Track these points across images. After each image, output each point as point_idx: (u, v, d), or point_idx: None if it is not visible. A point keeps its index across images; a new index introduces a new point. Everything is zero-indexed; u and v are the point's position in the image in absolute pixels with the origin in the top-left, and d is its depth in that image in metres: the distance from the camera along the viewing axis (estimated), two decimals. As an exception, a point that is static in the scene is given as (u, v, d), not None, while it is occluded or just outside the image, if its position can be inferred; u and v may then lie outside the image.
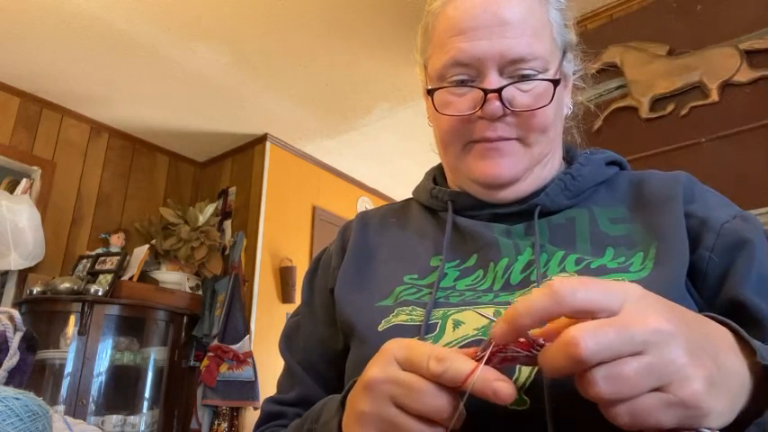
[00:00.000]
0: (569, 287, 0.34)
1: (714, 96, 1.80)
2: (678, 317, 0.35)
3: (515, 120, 0.59)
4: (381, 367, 0.40)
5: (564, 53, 0.65)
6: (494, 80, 0.58)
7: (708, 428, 0.34)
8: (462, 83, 0.60)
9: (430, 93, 0.62)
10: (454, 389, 0.37)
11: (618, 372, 0.32)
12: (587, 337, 0.32)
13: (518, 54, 0.58)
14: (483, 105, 0.58)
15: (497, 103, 0.58)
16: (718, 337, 0.38)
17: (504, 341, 0.37)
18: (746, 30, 1.79)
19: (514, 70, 0.59)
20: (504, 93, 0.58)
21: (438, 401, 0.37)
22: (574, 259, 0.55)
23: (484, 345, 0.38)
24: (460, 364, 0.37)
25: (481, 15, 0.59)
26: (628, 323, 0.33)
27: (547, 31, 0.61)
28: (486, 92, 0.58)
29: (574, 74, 0.68)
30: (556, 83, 0.59)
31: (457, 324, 0.51)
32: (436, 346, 0.40)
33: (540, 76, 0.59)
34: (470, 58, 0.59)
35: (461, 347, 0.49)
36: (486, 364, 0.37)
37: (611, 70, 2.04)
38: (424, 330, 0.51)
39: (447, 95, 0.61)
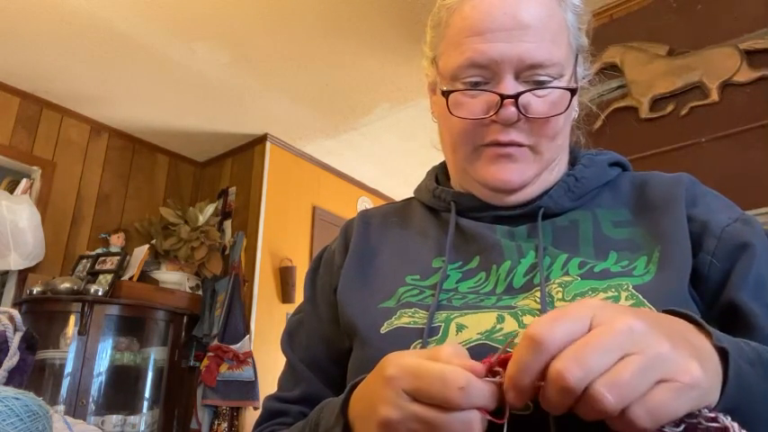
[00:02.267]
0: (545, 331, 0.35)
1: (714, 96, 1.80)
2: (642, 314, 0.36)
3: (528, 126, 0.58)
4: (393, 405, 0.39)
5: (576, 57, 0.64)
6: (510, 84, 0.57)
7: (707, 409, 0.35)
8: (476, 84, 0.59)
9: (445, 94, 0.60)
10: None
11: (616, 379, 0.32)
12: (570, 366, 0.33)
13: (537, 60, 0.57)
14: (498, 110, 0.57)
15: (513, 109, 0.57)
16: (681, 325, 0.39)
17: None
18: (746, 30, 1.79)
19: (530, 75, 0.57)
20: (520, 98, 0.57)
21: (467, 427, 0.36)
22: (577, 263, 0.55)
23: (496, 359, 0.38)
24: (483, 392, 0.37)
25: (501, 17, 0.57)
26: (602, 335, 0.34)
27: (564, 36, 0.60)
28: (503, 97, 0.57)
29: (583, 78, 0.68)
30: (573, 92, 0.58)
31: (460, 328, 0.51)
32: (440, 366, 0.38)
33: (556, 83, 0.58)
34: (488, 60, 0.57)
35: None
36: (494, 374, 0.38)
37: (612, 70, 2.04)
38: (426, 333, 0.51)
39: (460, 96, 0.60)
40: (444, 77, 0.62)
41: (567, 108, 0.58)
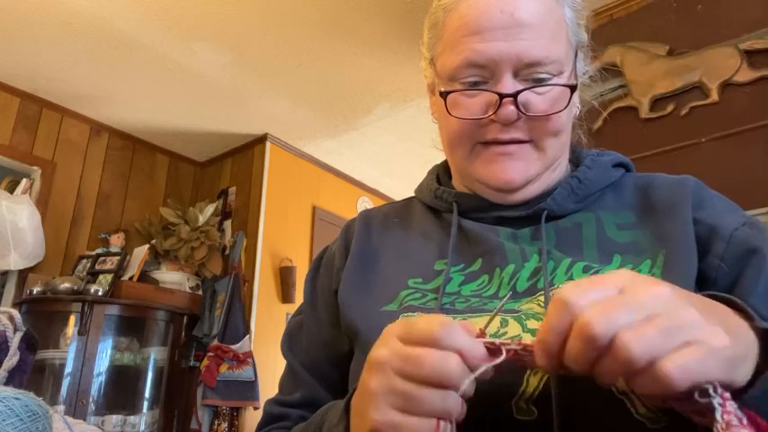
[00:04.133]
0: (575, 292, 0.35)
1: (714, 96, 1.80)
2: (675, 288, 0.36)
3: (528, 124, 0.58)
4: (384, 345, 0.40)
5: (576, 53, 0.63)
6: (508, 83, 0.57)
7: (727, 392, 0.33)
8: (474, 84, 0.58)
9: (443, 95, 0.60)
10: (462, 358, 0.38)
11: (642, 331, 0.32)
12: (596, 316, 0.33)
13: (535, 57, 0.56)
14: (497, 109, 0.57)
15: (512, 108, 0.56)
16: (717, 306, 0.39)
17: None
18: (746, 30, 1.79)
19: (530, 73, 0.57)
20: (519, 97, 0.56)
21: (446, 365, 0.37)
22: (581, 267, 0.54)
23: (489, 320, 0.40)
24: (464, 331, 0.38)
25: (497, 16, 0.56)
26: (631, 295, 0.34)
27: (563, 32, 0.59)
28: (501, 96, 0.56)
29: (584, 74, 0.67)
30: (573, 88, 0.58)
31: None
32: (435, 315, 0.40)
33: (555, 80, 0.58)
34: (486, 59, 0.57)
35: None
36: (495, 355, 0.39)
37: (611, 70, 2.04)
38: None
39: (458, 96, 0.59)
40: (442, 78, 0.61)
41: (568, 105, 0.58)
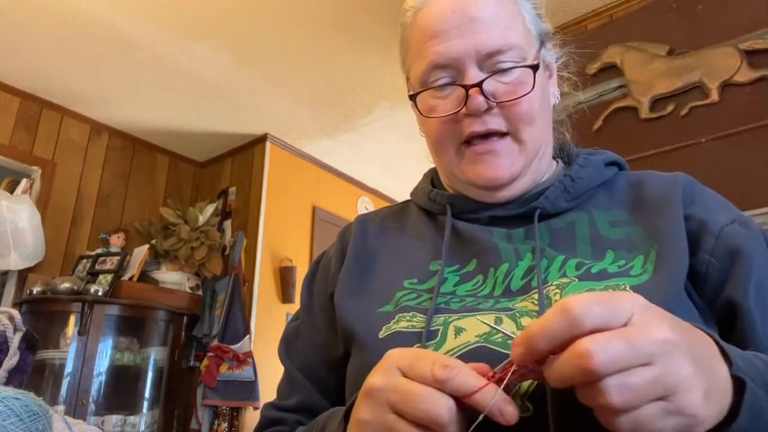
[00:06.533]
0: (584, 307, 0.34)
1: (714, 96, 1.80)
2: (680, 326, 0.36)
3: (501, 112, 0.59)
4: (382, 374, 0.40)
5: (542, 43, 0.65)
6: (473, 76, 0.59)
7: None
8: (445, 86, 0.61)
9: (412, 98, 0.62)
10: (457, 400, 0.37)
11: (628, 382, 0.33)
12: (599, 350, 0.33)
13: (492, 47, 0.58)
14: (466, 102, 0.58)
15: (480, 98, 0.58)
16: (709, 345, 0.39)
17: (523, 364, 0.37)
18: (746, 30, 1.79)
19: (493, 64, 0.59)
20: (485, 86, 0.58)
21: (434, 407, 0.37)
22: (574, 264, 0.55)
23: (502, 366, 0.38)
24: (469, 377, 0.37)
25: (450, 17, 0.60)
26: (637, 335, 0.34)
27: (518, 22, 0.62)
28: (466, 88, 0.58)
29: (556, 61, 0.69)
30: (535, 68, 0.59)
31: (458, 331, 0.51)
32: (443, 355, 0.40)
33: (519, 65, 0.59)
34: (447, 59, 0.59)
35: (463, 354, 0.49)
36: (497, 383, 0.37)
37: (611, 70, 2.04)
38: (425, 337, 0.51)
39: (431, 100, 0.62)
40: (414, 87, 0.64)
41: (534, 86, 0.59)
